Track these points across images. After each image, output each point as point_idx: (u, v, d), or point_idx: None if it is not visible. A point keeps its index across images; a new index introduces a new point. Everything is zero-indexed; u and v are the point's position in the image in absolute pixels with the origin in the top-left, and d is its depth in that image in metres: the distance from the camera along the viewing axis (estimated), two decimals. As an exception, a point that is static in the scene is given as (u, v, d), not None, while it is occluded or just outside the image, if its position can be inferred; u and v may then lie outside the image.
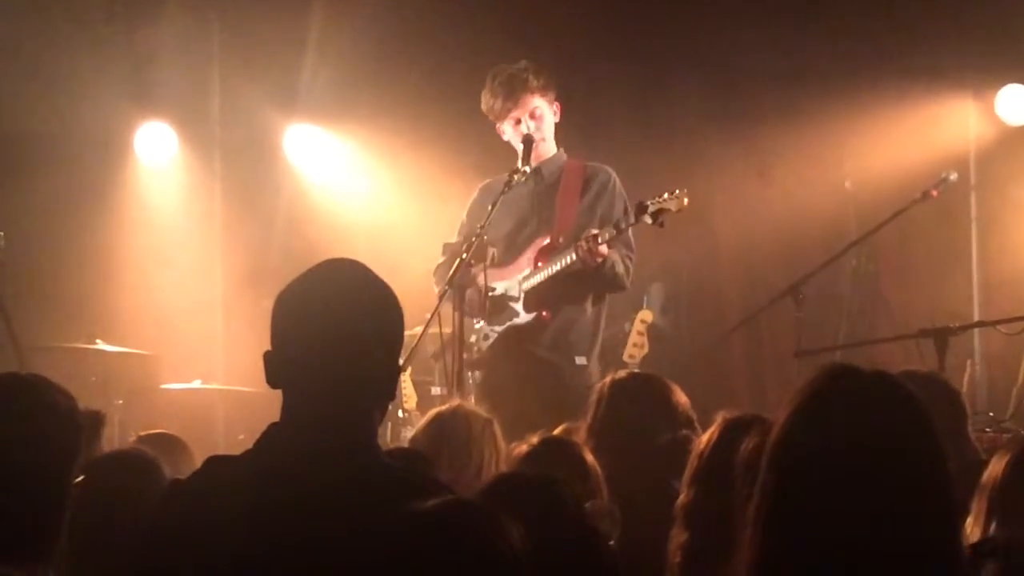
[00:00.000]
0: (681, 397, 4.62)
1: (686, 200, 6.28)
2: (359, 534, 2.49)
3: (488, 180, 6.85)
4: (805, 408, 2.41)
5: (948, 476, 2.38)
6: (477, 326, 6.64)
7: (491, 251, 6.50)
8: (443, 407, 4.72)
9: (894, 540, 2.31)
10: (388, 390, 2.80)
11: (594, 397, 4.65)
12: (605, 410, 4.57)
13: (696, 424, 4.55)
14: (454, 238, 6.75)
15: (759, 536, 2.38)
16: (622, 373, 4.91)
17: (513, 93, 6.64)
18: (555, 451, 3.89)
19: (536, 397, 6.19)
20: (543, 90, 6.66)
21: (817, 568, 2.32)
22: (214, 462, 2.78)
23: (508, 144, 6.72)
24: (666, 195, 6.30)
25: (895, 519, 2.32)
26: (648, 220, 6.30)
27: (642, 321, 7.68)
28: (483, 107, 6.75)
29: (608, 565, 3.04)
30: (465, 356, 6.56)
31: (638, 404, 4.56)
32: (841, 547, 2.31)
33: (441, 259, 6.69)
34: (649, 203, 6.31)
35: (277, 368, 2.75)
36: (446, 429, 4.53)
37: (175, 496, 2.78)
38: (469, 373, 6.58)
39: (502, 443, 4.58)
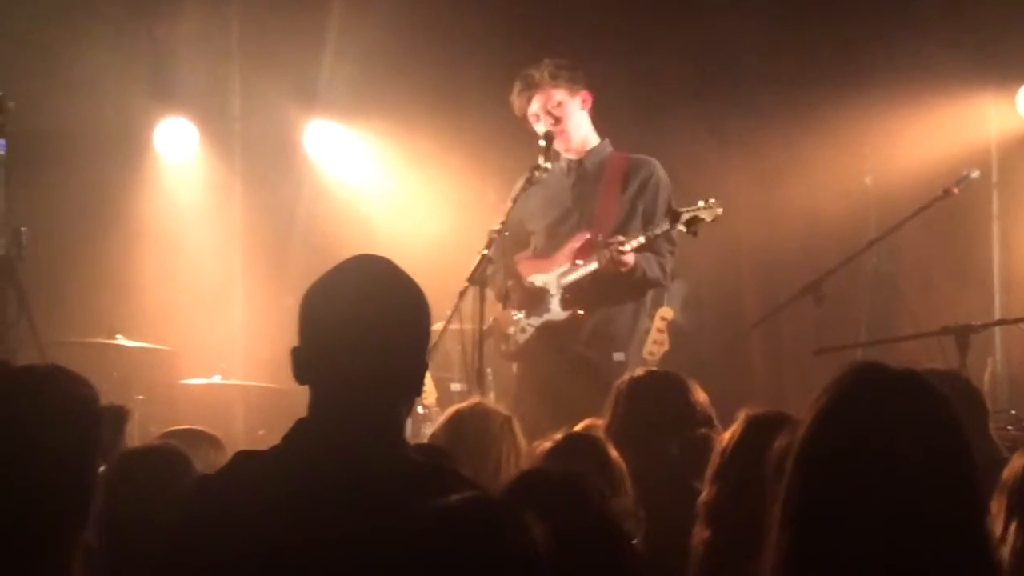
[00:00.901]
0: (700, 395, 4.61)
1: (720, 210, 6.29)
2: (385, 529, 2.49)
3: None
4: (832, 407, 2.39)
5: (976, 474, 2.37)
6: (516, 317, 6.64)
7: (536, 242, 6.54)
8: (462, 404, 4.73)
9: (921, 540, 2.30)
10: (415, 386, 2.81)
11: (612, 395, 4.66)
12: (624, 408, 4.57)
13: (715, 422, 4.55)
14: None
15: (785, 536, 2.37)
16: (640, 371, 4.91)
17: (523, 93, 6.66)
18: (579, 447, 3.89)
19: (574, 394, 6.17)
20: (554, 83, 6.64)
21: (843, 569, 2.31)
22: (242, 457, 2.79)
23: (531, 138, 6.72)
24: (700, 203, 6.30)
25: (923, 518, 2.30)
26: (682, 228, 6.31)
27: (662, 318, 7.65)
28: (515, 112, 6.77)
29: (632, 564, 3.03)
30: (503, 348, 6.59)
31: (657, 402, 4.56)
32: (867, 547, 2.30)
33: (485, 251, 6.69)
34: (683, 211, 6.31)
35: (305, 364, 2.75)
36: (464, 426, 4.54)
37: (202, 491, 2.78)
38: (491, 369, 6.60)
39: (521, 440, 4.59)
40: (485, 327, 6.21)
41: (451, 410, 4.73)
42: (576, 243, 6.58)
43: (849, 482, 2.32)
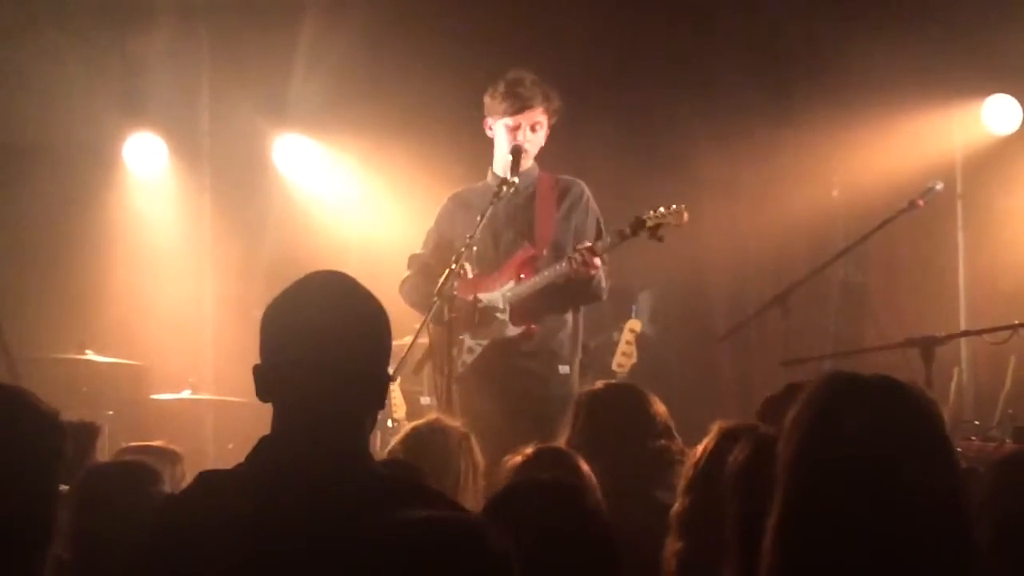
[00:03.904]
0: (659, 406, 4.63)
1: (686, 215, 6.31)
2: (353, 545, 2.50)
3: (458, 189, 6.86)
4: (817, 418, 2.42)
5: (960, 472, 2.42)
6: (461, 338, 6.60)
7: (467, 265, 6.50)
8: (420, 421, 4.75)
9: (916, 534, 2.33)
10: (378, 399, 2.82)
11: (571, 410, 4.67)
12: (584, 422, 4.59)
13: (674, 433, 4.58)
14: (419, 249, 6.77)
15: (781, 548, 2.39)
16: (599, 384, 4.93)
17: (527, 101, 6.60)
18: (551, 459, 3.91)
19: (522, 409, 6.19)
20: (551, 111, 6.67)
21: (842, 570, 2.34)
22: (205, 477, 2.79)
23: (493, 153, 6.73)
24: (662, 209, 6.32)
25: (916, 513, 2.34)
26: (644, 234, 6.33)
27: (631, 330, 7.70)
28: (485, 98, 6.73)
29: (620, 570, 3.06)
30: (446, 370, 6.56)
31: (616, 415, 4.58)
32: (865, 554, 2.33)
33: (407, 272, 6.69)
34: (647, 218, 6.33)
35: (267, 381, 2.76)
36: (423, 443, 4.56)
37: (167, 512, 2.78)
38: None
39: (479, 457, 4.61)
40: (423, 348, 6.25)
41: (409, 427, 4.76)
42: (519, 259, 6.60)
43: (848, 490, 2.35)
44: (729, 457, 3.20)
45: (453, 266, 6.13)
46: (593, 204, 6.68)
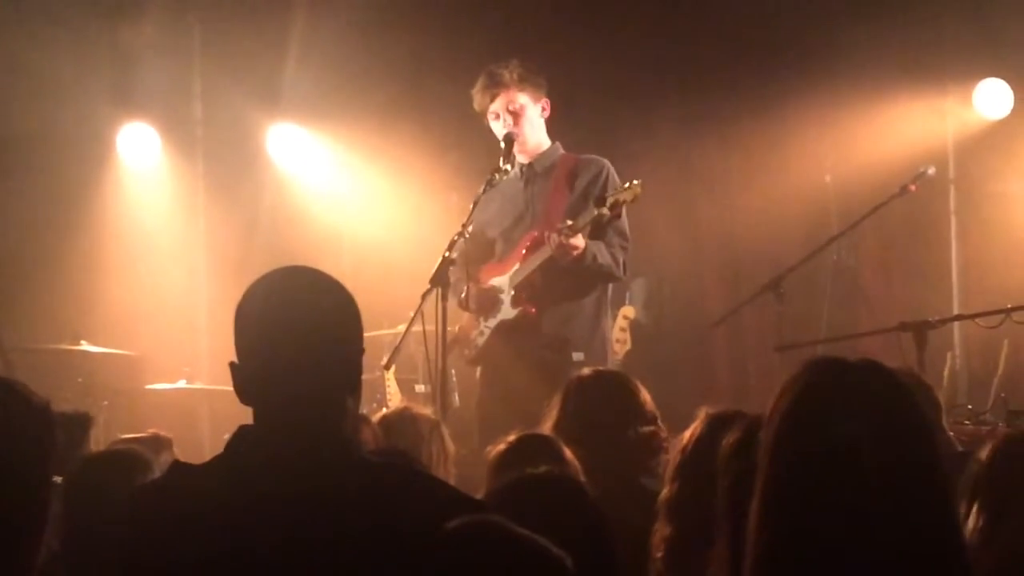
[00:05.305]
0: (645, 394, 4.63)
1: (639, 189, 6.34)
2: (343, 533, 2.52)
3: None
4: (798, 403, 2.43)
5: (940, 455, 2.44)
6: (477, 322, 6.69)
7: (497, 248, 6.58)
8: (390, 410, 4.77)
9: (896, 520, 2.35)
10: (354, 382, 2.82)
11: (560, 395, 4.69)
12: (571, 407, 4.59)
13: (659, 420, 4.59)
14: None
15: (764, 533, 2.40)
16: (586, 371, 4.93)
17: (488, 89, 6.68)
18: (533, 447, 3.91)
19: (533, 395, 6.19)
20: (519, 85, 6.67)
21: (824, 561, 2.35)
22: (178, 468, 2.81)
23: (491, 142, 6.76)
24: (627, 185, 6.37)
25: (895, 499, 2.35)
26: (606, 211, 6.35)
27: (624, 317, 7.71)
28: (474, 105, 6.80)
29: (619, 563, 3.06)
30: (465, 352, 6.64)
31: (602, 402, 4.59)
32: (846, 537, 2.34)
33: (447, 253, 6.72)
34: (607, 195, 6.38)
35: (246, 382, 2.78)
36: (393, 431, 4.59)
37: (136, 502, 2.79)
38: (454, 371, 6.62)
39: (450, 444, 4.65)
40: (450, 334, 6.26)
41: (378, 415, 4.78)
42: (526, 242, 6.62)
43: (825, 475, 2.37)
44: (715, 443, 3.21)
45: (447, 253, 6.14)
46: (614, 181, 6.63)
